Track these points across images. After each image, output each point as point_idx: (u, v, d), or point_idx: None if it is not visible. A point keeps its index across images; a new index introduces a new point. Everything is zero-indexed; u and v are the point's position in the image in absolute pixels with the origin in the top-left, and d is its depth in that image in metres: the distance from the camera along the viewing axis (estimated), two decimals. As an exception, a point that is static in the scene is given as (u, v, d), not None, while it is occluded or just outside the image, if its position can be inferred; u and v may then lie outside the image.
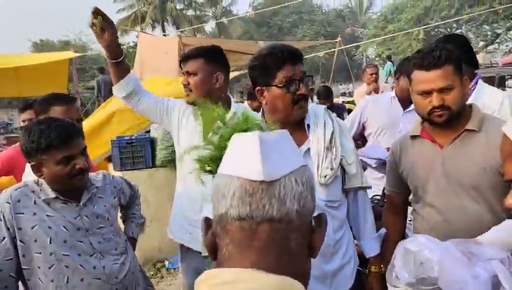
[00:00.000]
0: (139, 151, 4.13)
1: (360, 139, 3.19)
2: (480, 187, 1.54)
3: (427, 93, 1.54)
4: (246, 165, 0.66)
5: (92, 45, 29.10)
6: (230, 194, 0.66)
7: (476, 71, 2.17)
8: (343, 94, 14.96)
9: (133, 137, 4.24)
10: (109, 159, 4.42)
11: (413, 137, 1.71)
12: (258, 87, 1.64)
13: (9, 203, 1.54)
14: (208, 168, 1.02)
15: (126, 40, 25.88)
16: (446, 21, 15.29)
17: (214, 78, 2.05)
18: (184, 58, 2.07)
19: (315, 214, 0.74)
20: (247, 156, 0.67)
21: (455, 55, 1.52)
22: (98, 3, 2.09)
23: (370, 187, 1.83)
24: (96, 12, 1.96)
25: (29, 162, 1.60)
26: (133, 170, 4.07)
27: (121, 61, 2.06)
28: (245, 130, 1.03)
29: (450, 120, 1.56)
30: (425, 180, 1.65)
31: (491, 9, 16.58)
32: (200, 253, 2.02)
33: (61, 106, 2.16)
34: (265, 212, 0.64)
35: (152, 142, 4.19)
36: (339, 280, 1.68)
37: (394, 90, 3.12)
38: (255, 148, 0.66)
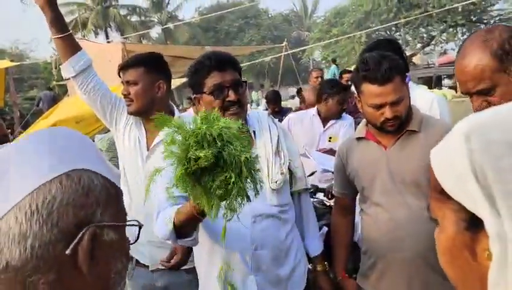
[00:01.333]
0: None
1: None
2: (421, 184, 1.61)
3: (379, 106, 1.58)
4: None
5: (30, 53, 27.68)
6: None
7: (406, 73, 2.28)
8: (293, 97, 15.25)
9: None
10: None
11: (359, 139, 1.76)
12: (194, 96, 1.64)
13: None
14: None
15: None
16: (386, 25, 16.05)
17: (155, 87, 1.97)
18: (123, 67, 1.96)
19: None
20: None
21: (401, 64, 1.57)
22: (33, 10, 1.94)
23: (311, 189, 1.86)
24: None
25: None
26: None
27: (67, 36, 1.91)
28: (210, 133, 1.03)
29: (398, 127, 1.62)
30: (371, 180, 1.70)
31: (426, 13, 17.64)
32: (148, 267, 1.96)
33: None
34: None
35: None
36: (293, 283, 1.69)
37: (317, 107, 3.27)
38: None
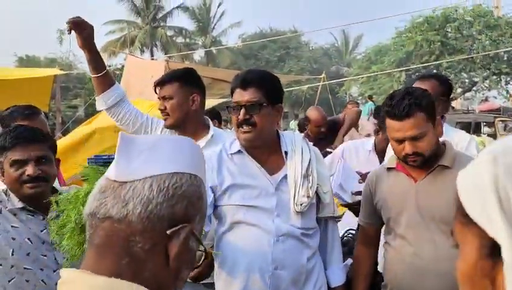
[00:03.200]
0: (116, 171, 4.08)
1: None
2: (450, 221, 1.57)
3: (400, 141, 1.59)
4: (112, 164, 0.70)
5: (78, 64, 29.07)
6: (95, 191, 0.70)
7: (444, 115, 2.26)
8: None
9: (112, 156, 4.19)
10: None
11: (389, 169, 1.76)
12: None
13: None
14: None
15: (114, 62, 25.95)
16: (426, 64, 15.90)
17: (190, 100, 2.05)
18: (159, 84, 2.06)
19: None
20: (116, 155, 0.71)
21: (426, 101, 1.57)
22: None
23: (340, 217, 1.85)
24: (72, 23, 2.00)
25: None
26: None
27: (104, 74, 2.08)
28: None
29: (424, 163, 1.62)
30: (398, 212, 1.68)
31: (469, 57, 17.37)
32: None
33: (22, 120, 2.14)
34: (106, 210, 0.66)
35: (130, 162, 4.15)
36: None
37: (374, 141, 3.08)
38: (118, 149, 0.70)
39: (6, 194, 1.59)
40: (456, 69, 19.46)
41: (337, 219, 1.84)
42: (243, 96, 1.63)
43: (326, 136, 3.75)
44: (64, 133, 9.46)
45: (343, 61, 36.42)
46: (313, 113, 3.80)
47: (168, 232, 0.67)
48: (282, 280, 1.61)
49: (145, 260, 0.66)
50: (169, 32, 32.53)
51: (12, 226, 1.53)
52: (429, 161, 1.62)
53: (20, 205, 1.57)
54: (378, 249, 1.88)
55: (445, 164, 1.63)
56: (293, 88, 15.34)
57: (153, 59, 21.87)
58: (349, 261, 1.91)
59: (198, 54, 33.69)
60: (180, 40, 33.41)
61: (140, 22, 32.11)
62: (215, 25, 34.49)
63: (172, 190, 0.68)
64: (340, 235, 2.22)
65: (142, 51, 30.71)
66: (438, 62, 16.80)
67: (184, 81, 2.06)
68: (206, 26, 34.10)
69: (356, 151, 2.98)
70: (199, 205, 0.72)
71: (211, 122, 2.21)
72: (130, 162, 0.68)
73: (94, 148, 4.70)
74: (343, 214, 2.39)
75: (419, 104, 1.55)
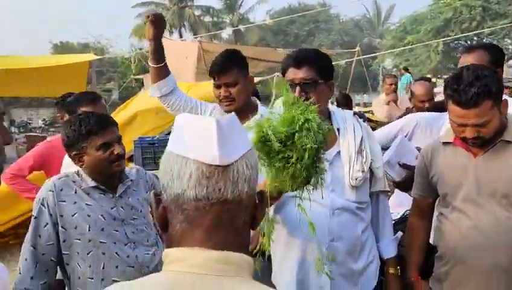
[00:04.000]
0: (160, 152, 4.13)
1: None
2: (511, 195, 1.57)
3: (462, 125, 1.55)
4: (203, 148, 0.71)
5: (109, 48, 29.59)
6: (187, 176, 0.71)
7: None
8: (358, 105, 14.92)
9: (155, 138, 4.33)
10: (130, 159, 4.51)
11: (446, 143, 1.73)
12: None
13: (52, 191, 1.63)
14: None
15: (144, 44, 26.26)
16: (467, 34, 15.12)
17: (247, 82, 2.12)
18: (218, 70, 2.08)
19: None
20: (204, 140, 0.72)
21: (495, 87, 1.49)
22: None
23: (390, 191, 1.86)
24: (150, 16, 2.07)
25: (70, 154, 1.69)
26: (155, 170, 4.15)
27: (160, 66, 2.14)
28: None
29: (484, 144, 1.59)
30: (456, 186, 1.67)
31: (513, 23, 16.42)
32: None
33: (87, 105, 2.26)
34: (221, 195, 0.71)
35: (174, 143, 4.28)
36: (365, 279, 1.72)
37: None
38: (211, 133, 0.71)
39: (78, 175, 1.70)
40: (499, 35, 18.47)
41: (388, 192, 1.86)
42: (296, 74, 1.65)
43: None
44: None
45: (375, 32, 35.32)
46: (418, 87, 3.67)
47: (257, 202, 0.77)
48: (338, 251, 1.66)
49: (244, 231, 0.75)
50: (197, 12, 32.49)
51: (86, 204, 1.65)
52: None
53: (93, 184, 1.69)
54: (431, 222, 1.88)
55: (508, 138, 1.58)
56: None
57: (182, 40, 21.98)
58: (400, 233, 1.93)
59: (226, 33, 33.54)
60: (207, 19, 33.34)
61: (167, 3, 32.18)
62: (242, 2, 34.13)
63: (256, 163, 0.77)
64: (400, 215, 2.23)
65: (170, 32, 30.89)
66: (479, 31, 15.92)
67: (241, 65, 2.10)
68: (233, 4, 33.80)
69: (430, 127, 2.61)
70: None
71: (258, 102, 2.25)
72: (227, 146, 0.72)
73: (137, 131, 4.87)
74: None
75: (488, 92, 1.47)
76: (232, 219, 0.73)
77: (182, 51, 9.10)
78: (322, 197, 1.56)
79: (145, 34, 2.11)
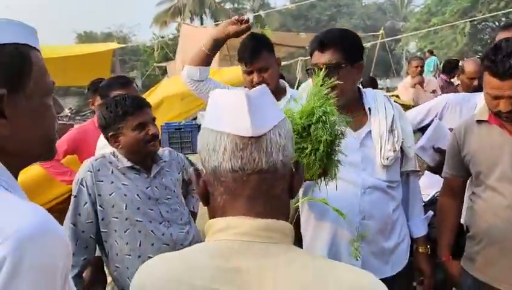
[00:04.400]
0: (187, 137, 4.30)
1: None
2: None
3: (498, 97, 1.54)
4: (235, 121, 0.73)
5: (132, 37, 29.87)
6: (222, 149, 0.73)
7: None
8: (381, 89, 14.67)
9: (181, 123, 4.40)
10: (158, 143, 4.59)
11: (479, 122, 1.71)
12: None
13: (90, 171, 1.69)
14: None
15: (165, 32, 26.41)
16: (494, 13, 14.56)
17: (278, 66, 2.12)
18: (251, 57, 2.07)
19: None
20: (236, 113, 0.73)
21: None
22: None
23: (421, 172, 1.84)
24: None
25: (107, 135, 1.74)
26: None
27: (211, 56, 2.14)
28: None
29: None
30: (491, 165, 1.65)
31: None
32: None
33: (119, 89, 2.31)
34: (256, 165, 0.73)
35: (199, 128, 4.34)
36: (396, 257, 1.73)
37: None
38: (243, 106, 0.73)
39: (114, 156, 1.76)
40: (528, 15, 17.78)
41: (419, 172, 1.85)
42: (321, 58, 1.64)
43: (477, 91, 3.52)
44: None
45: (398, 15, 34.44)
46: (468, 64, 3.68)
47: (293, 170, 0.79)
48: (370, 230, 1.66)
49: (283, 198, 0.77)
50: (218, -1, 32.34)
51: (123, 184, 1.71)
52: None
53: (128, 164, 1.74)
54: (463, 202, 1.87)
55: None
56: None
57: (203, 27, 21.99)
58: (430, 213, 1.92)
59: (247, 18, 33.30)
60: (228, 5, 33.17)
61: (188, -10, 32.09)
62: (262, -13, 33.75)
63: (289, 133, 0.78)
64: (431, 197, 2.22)
65: (191, 20, 30.87)
66: (508, 11, 15.35)
67: (268, 48, 2.09)
68: (253, -11, 33.48)
69: (459, 107, 2.61)
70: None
71: (286, 84, 2.25)
72: (258, 118, 0.73)
73: (163, 116, 4.94)
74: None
75: None
76: (270, 188, 0.74)
77: (204, 37, 9.10)
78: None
79: (224, 29, 2.06)
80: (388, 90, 15.24)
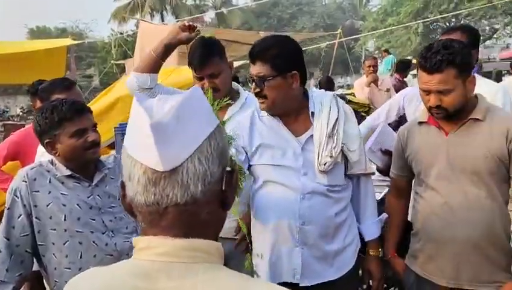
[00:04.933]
0: (141, 138, 4.16)
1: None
2: (481, 173, 1.61)
3: (427, 91, 1.61)
4: (145, 152, 0.66)
5: (88, 32, 28.91)
6: (136, 180, 0.68)
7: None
8: (341, 87, 15.00)
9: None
10: (112, 146, 4.44)
11: (421, 123, 1.78)
12: None
13: (25, 181, 1.60)
14: None
15: (124, 28, 25.72)
16: (445, 15, 15.26)
17: (230, 70, 2.08)
18: (201, 63, 2.01)
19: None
20: (144, 143, 0.66)
21: (460, 58, 1.55)
22: None
23: (373, 173, 1.88)
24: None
25: (43, 142, 1.65)
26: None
27: (160, 62, 2.07)
28: None
29: (448, 117, 1.64)
30: (429, 164, 1.71)
31: (490, 4, 16.61)
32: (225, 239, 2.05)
33: (60, 92, 2.20)
34: (170, 201, 0.67)
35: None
36: (340, 261, 1.74)
37: None
38: (148, 137, 0.65)
39: (52, 164, 1.67)
40: (476, 16, 18.68)
41: (370, 174, 1.86)
42: (252, 69, 1.67)
43: None
44: (83, 103, 9.56)
45: (357, 14, 35.27)
46: None
47: (223, 188, 0.72)
48: (310, 235, 1.68)
49: (210, 220, 0.72)
50: (178, -5, 31.85)
51: (61, 194, 1.63)
52: (457, 114, 1.63)
53: (67, 172, 1.66)
54: (409, 201, 1.92)
55: (477, 117, 1.63)
56: (308, 47, 15.02)
57: (163, 24, 21.60)
58: (384, 215, 1.94)
59: (208, 16, 33.07)
60: (190, 2, 32.75)
61: (148, -14, 31.42)
62: (224, -16, 33.57)
63: (216, 152, 0.70)
64: (382, 195, 2.26)
65: (152, 16, 30.26)
66: (457, 12, 16.12)
67: (221, 54, 2.04)
68: (215, -14, 33.24)
69: (416, 98, 2.48)
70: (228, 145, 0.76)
71: (240, 87, 2.22)
72: (170, 147, 0.66)
73: (118, 117, 4.77)
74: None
75: (452, 61, 1.54)
76: (191, 217, 0.69)
77: (164, 34, 8.91)
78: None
79: (176, 36, 2.00)
80: (348, 87, 15.60)
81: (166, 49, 2.02)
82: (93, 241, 1.63)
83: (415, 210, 1.81)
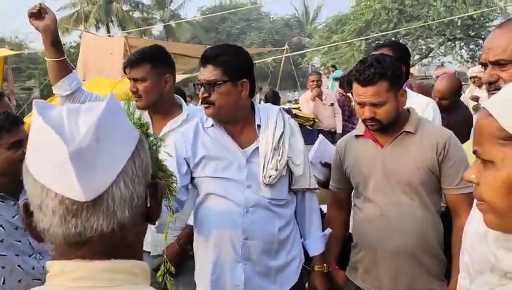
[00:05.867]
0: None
1: None
2: (413, 183, 1.68)
3: (361, 104, 1.67)
4: (61, 181, 0.58)
5: (29, 43, 27.50)
6: (50, 211, 0.60)
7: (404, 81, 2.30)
8: (290, 102, 15.31)
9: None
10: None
11: (358, 136, 1.83)
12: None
13: None
14: None
15: (67, 39, 24.75)
16: (385, 33, 16.16)
17: (163, 81, 2.00)
18: (129, 64, 1.98)
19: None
20: (60, 170, 0.58)
21: (391, 71, 1.62)
22: (36, 2, 1.98)
23: (318, 189, 1.89)
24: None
25: None
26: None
27: (63, 60, 1.99)
28: None
29: (382, 129, 1.70)
30: (366, 177, 1.76)
31: (425, 24, 17.79)
32: (149, 253, 1.98)
33: None
34: (94, 231, 0.61)
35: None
36: (283, 277, 1.73)
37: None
38: (65, 166, 0.57)
39: None
40: (413, 36, 19.90)
41: (314, 190, 1.86)
42: (202, 74, 1.64)
43: (445, 111, 2.96)
44: (20, 115, 9.04)
45: (304, 31, 36.37)
46: (438, 82, 3.37)
47: (149, 205, 0.68)
48: (253, 250, 1.66)
49: (135, 240, 0.68)
50: (126, 7, 31.21)
51: None
52: (390, 127, 1.69)
53: None
54: (349, 213, 1.96)
55: (410, 129, 1.70)
56: (256, 61, 15.24)
57: (109, 36, 21.05)
58: (329, 231, 1.94)
59: (157, 29, 32.67)
60: (137, 14, 32.16)
61: (93, -3, 30.59)
62: (172, -3, 33.41)
63: (141, 171, 0.65)
64: None
65: (97, 28, 29.38)
66: (396, 30, 17.13)
67: (156, 62, 1.98)
68: (163, 0, 32.98)
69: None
70: (150, 157, 0.70)
71: (183, 101, 2.18)
72: (93, 174, 0.59)
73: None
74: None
75: (384, 74, 1.61)
76: (117, 242, 0.64)
77: (108, 46, 8.72)
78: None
79: (36, 26, 1.91)
80: (296, 102, 15.94)
81: (50, 46, 1.95)
82: (19, 265, 1.51)
83: (354, 222, 1.86)
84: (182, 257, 1.89)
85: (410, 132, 1.70)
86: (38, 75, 23.15)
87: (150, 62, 1.97)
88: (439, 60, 22.89)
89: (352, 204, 1.90)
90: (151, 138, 1.10)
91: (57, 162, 0.58)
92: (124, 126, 0.66)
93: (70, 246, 0.62)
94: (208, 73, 1.63)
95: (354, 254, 1.84)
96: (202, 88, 1.63)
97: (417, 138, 1.70)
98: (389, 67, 1.63)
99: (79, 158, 0.57)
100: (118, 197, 0.62)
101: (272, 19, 37.33)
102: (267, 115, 1.74)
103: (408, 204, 1.69)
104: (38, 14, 1.92)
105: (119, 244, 0.64)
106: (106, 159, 0.60)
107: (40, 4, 1.92)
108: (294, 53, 11.60)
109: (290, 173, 1.74)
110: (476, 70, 5.73)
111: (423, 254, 1.69)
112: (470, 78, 5.81)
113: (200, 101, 1.70)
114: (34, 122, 0.61)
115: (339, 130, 5.90)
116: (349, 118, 6.01)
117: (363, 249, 1.78)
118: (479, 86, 5.35)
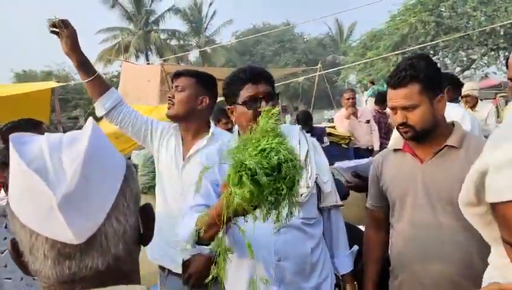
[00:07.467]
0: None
1: None
2: (456, 202, 1.55)
3: (394, 109, 1.60)
4: (50, 227, 0.56)
5: (75, 75, 29.02)
6: (41, 255, 0.58)
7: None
8: (329, 120, 15.18)
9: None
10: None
11: (396, 150, 1.74)
12: (228, 107, 1.70)
13: None
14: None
15: (110, 70, 25.98)
16: (422, 45, 15.75)
17: (199, 99, 2.09)
18: (177, 74, 2.12)
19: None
20: (47, 216, 0.56)
21: (423, 74, 1.55)
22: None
23: (342, 205, 1.85)
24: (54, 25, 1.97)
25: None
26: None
27: (95, 78, 2.06)
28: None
29: (417, 137, 1.60)
30: (404, 194, 1.66)
31: (465, 34, 17.20)
32: (180, 275, 1.98)
33: (26, 132, 2.14)
34: (89, 269, 0.59)
35: (135, 168, 4.18)
36: None
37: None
38: (53, 212, 0.55)
39: None
40: (453, 48, 19.29)
41: (340, 207, 1.83)
42: (258, 88, 1.63)
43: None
44: (67, 144, 9.43)
45: (338, 50, 36.25)
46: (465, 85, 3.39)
47: (142, 231, 0.67)
48: (286, 271, 1.61)
49: (131, 268, 0.67)
50: (163, 36, 32.46)
51: None
52: (431, 139, 1.59)
53: None
54: (388, 233, 1.85)
55: (453, 144, 1.59)
56: (289, 81, 15.29)
57: (148, 64, 21.86)
58: (355, 248, 1.89)
59: (193, 55, 33.67)
60: (174, 42, 33.36)
61: (133, 28, 32.05)
62: (207, 24, 34.43)
63: (132, 202, 0.64)
64: None
65: (137, 57, 30.68)
66: (434, 43, 16.68)
67: (200, 81, 2.10)
68: (199, 27, 34.04)
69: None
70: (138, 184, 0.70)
71: (212, 123, 2.23)
72: (83, 217, 0.57)
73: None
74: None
75: (415, 76, 1.54)
76: (113, 273, 0.62)
77: (146, 74, 9.00)
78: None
79: (62, 48, 1.99)
80: (331, 120, 15.77)
81: (79, 65, 2.02)
82: None
83: (391, 244, 1.75)
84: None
85: (453, 147, 1.59)
86: (83, 105, 24.32)
87: (196, 78, 2.09)
88: (482, 71, 22.02)
89: (390, 224, 1.80)
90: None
91: (45, 210, 0.56)
92: (110, 156, 0.63)
93: (64, 283, 0.60)
94: (264, 87, 1.66)
95: (392, 279, 1.74)
96: (263, 102, 1.63)
97: (462, 153, 1.57)
98: (421, 70, 1.55)
99: (67, 204, 0.55)
100: (111, 233, 0.60)
101: (305, 39, 37.50)
102: (289, 134, 1.72)
103: (448, 226, 1.55)
104: (59, 26, 1.98)
105: (115, 275, 0.63)
106: (95, 199, 0.58)
107: (62, 20, 1.98)
108: (327, 71, 11.50)
109: (318, 191, 1.72)
110: (468, 87, 4.83)
111: (466, 280, 1.53)
112: (462, 97, 4.68)
113: (255, 114, 1.65)
114: (12, 160, 0.58)
115: (376, 147, 5.74)
116: (386, 135, 5.84)
117: (401, 274, 1.67)
118: (472, 107, 4.81)
